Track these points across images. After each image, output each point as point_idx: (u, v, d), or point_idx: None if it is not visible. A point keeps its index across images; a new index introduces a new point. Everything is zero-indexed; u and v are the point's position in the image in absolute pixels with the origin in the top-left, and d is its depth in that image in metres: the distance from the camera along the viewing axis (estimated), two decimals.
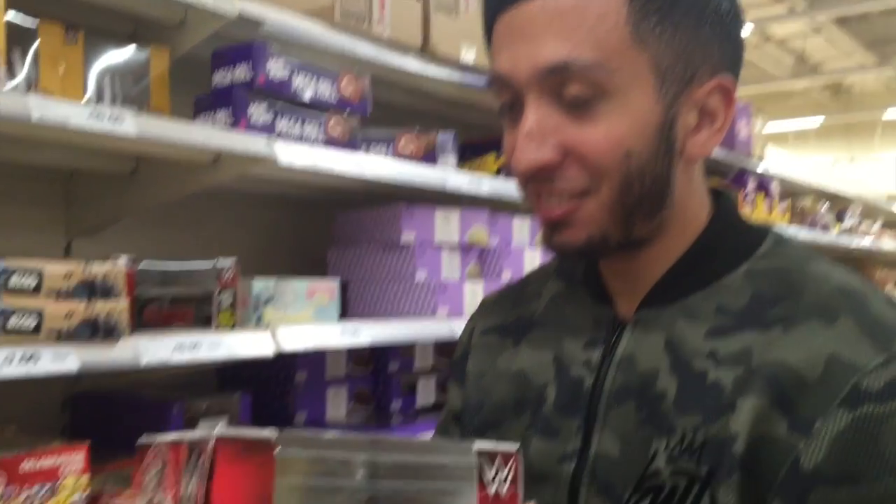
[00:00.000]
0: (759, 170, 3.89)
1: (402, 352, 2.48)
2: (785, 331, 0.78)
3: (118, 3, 1.83)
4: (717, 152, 3.66)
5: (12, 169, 1.87)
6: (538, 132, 0.80)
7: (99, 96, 1.71)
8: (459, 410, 1.02)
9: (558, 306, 0.95)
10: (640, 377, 0.83)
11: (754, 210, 3.66)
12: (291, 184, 2.19)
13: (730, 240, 0.87)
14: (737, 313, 0.81)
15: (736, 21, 0.84)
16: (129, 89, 1.77)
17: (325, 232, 2.41)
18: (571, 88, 0.78)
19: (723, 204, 0.89)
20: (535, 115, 0.80)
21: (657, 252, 0.86)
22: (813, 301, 0.79)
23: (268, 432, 0.66)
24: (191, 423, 1.86)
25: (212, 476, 0.64)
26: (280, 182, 2.15)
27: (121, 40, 1.79)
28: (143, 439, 0.75)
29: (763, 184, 3.87)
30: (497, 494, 0.74)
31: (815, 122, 16.07)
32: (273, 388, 2.28)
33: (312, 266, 2.36)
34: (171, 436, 0.71)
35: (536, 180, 0.82)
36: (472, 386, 1.00)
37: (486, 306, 1.06)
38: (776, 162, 4.11)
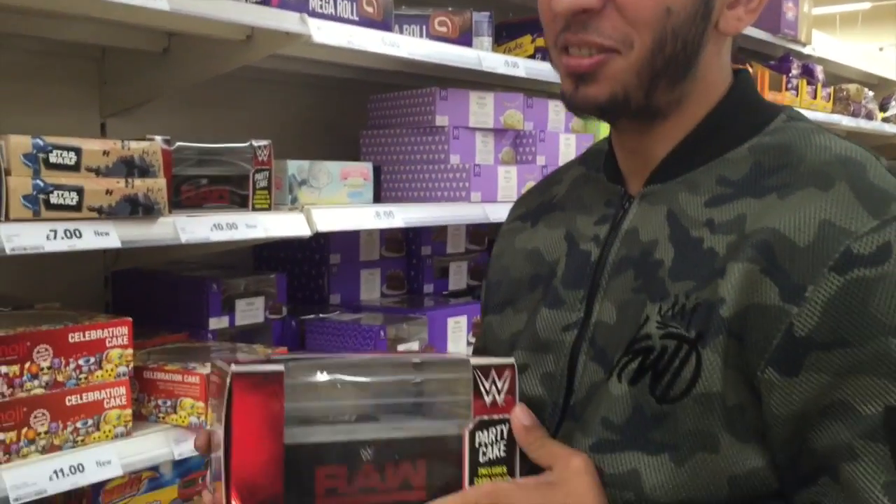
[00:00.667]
0: (805, 53, 3.76)
1: (434, 236, 2.50)
2: (780, 197, 0.78)
3: None
4: (762, 35, 3.53)
5: (46, 45, 1.86)
6: None
7: None
8: (485, 300, 1.06)
9: (576, 189, 0.98)
10: (641, 247, 0.85)
11: (798, 96, 3.56)
12: (324, 64, 2.15)
13: (740, 117, 0.86)
14: (736, 183, 0.82)
15: None
16: None
17: (357, 114, 2.39)
18: None
19: (738, 82, 0.88)
20: None
21: (669, 128, 0.87)
22: (811, 169, 0.79)
23: (278, 366, 0.76)
24: (229, 302, 1.90)
25: (230, 405, 0.74)
26: (313, 63, 2.11)
27: None
28: (216, 361, 0.82)
29: (807, 69, 3.75)
30: (494, 402, 0.83)
31: (862, 4, 15.39)
32: (308, 269, 2.32)
33: (345, 149, 2.35)
34: (220, 363, 0.79)
35: (571, 27, 0.82)
36: (493, 266, 1.04)
37: (517, 203, 1.09)
38: (822, 47, 3.96)
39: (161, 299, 1.96)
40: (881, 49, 14.79)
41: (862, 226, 0.74)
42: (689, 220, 0.83)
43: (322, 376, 0.79)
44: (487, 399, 0.82)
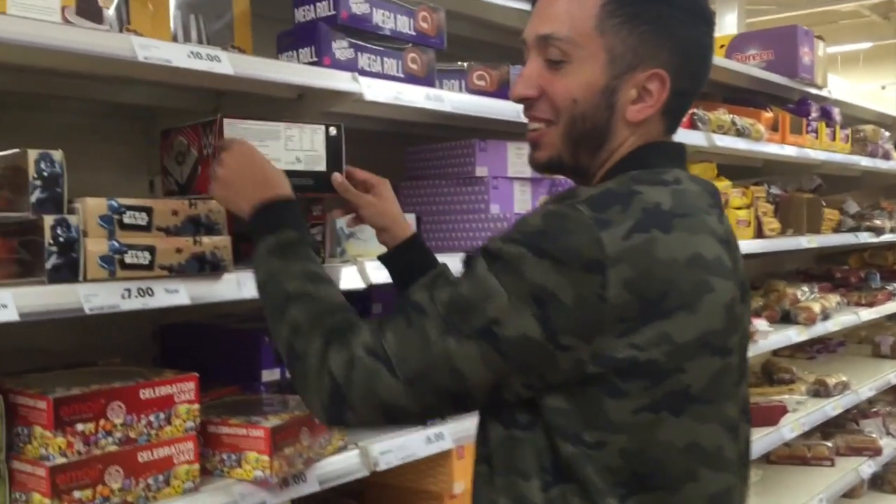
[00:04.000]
0: (822, 96, 3.83)
1: None
2: None
3: None
4: (780, 79, 3.59)
5: (97, 107, 1.91)
6: (526, 75, 1.20)
7: (185, 34, 1.73)
8: None
9: None
10: None
11: (818, 138, 3.61)
12: (362, 118, 2.20)
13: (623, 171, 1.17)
14: None
15: (700, 33, 1.18)
16: (212, 26, 1.78)
17: (391, 166, 2.43)
18: (550, 51, 1.17)
19: (634, 153, 1.18)
20: (529, 64, 1.20)
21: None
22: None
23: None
24: (279, 355, 1.92)
25: None
26: (354, 117, 2.16)
27: None
28: None
29: (826, 111, 3.80)
30: None
31: (863, 45, 15.57)
32: None
33: None
34: None
35: (524, 107, 1.22)
36: None
37: None
38: (836, 89, 4.02)
39: (210, 353, 1.98)
40: (883, 87, 14.95)
41: None
42: None
43: None
44: None
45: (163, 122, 2.03)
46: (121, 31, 1.59)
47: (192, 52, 1.45)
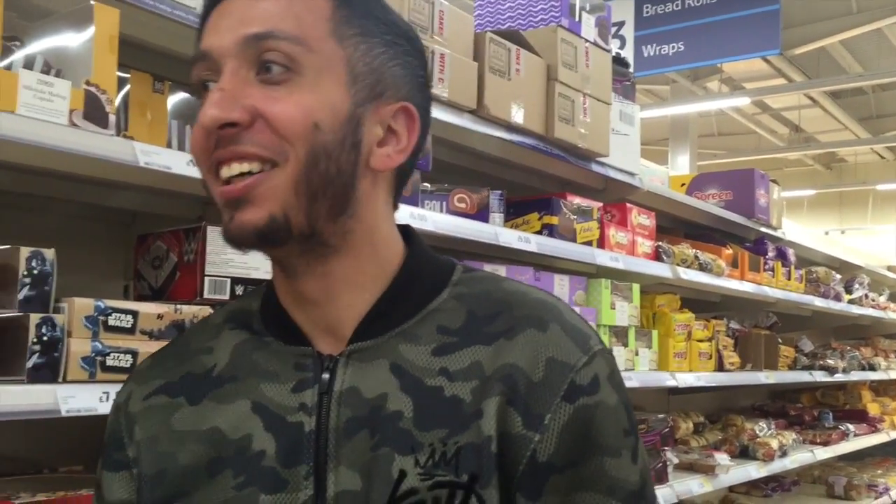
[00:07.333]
0: (776, 236, 3.98)
1: None
2: (508, 339, 0.85)
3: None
4: (738, 218, 3.74)
5: (84, 210, 1.91)
6: (230, 92, 0.81)
7: (179, 143, 1.76)
8: (129, 498, 0.89)
9: (244, 356, 0.89)
10: (369, 405, 0.83)
11: (774, 276, 3.73)
12: None
13: (429, 269, 0.91)
14: (458, 332, 0.86)
15: (424, 72, 0.92)
16: None
17: None
18: (269, 56, 0.81)
19: (415, 237, 0.93)
20: (232, 78, 0.81)
21: (349, 274, 0.86)
22: (525, 313, 0.87)
23: None
24: None
25: None
26: None
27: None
28: None
29: (781, 252, 3.95)
30: None
31: (808, 192, 16.34)
32: None
33: None
34: None
35: (221, 144, 0.80)
36: (147, 456, 0.88)
37: (140, 373, 0.95)
38: (790, 231, 4.20)
39: None
40: (826, 233, 15.59)
41: (578, 360, 0.84)
42: (420, 370, 0.84)
43: None
44: None
45: (142, 227, 2.04)
46: (118, 136, 1.63)
47: (191, 161, 1.48)
